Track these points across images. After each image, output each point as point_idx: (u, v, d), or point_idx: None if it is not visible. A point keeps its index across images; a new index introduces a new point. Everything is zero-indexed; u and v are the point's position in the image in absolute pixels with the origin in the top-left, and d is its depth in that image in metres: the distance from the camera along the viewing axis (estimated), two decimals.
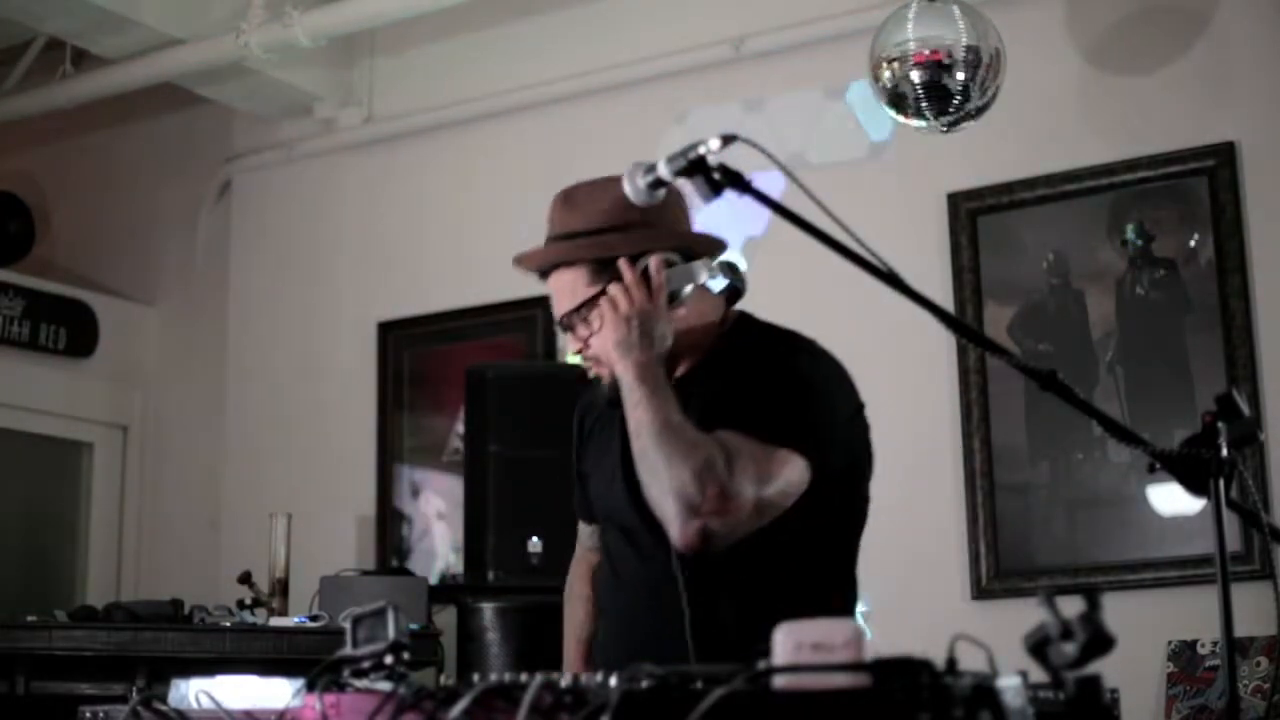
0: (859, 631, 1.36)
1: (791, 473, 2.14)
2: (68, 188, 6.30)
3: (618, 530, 2.35)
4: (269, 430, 5.54)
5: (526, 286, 5.11)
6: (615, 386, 2.19)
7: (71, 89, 5.53)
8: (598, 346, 2.23)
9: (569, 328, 2.28)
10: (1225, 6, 4.28)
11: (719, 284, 2.26)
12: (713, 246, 2.31)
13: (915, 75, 3.79)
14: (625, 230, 2.22)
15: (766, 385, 2.20)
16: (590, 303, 2.23)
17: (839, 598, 2.34)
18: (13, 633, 3.93)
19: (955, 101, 3.81)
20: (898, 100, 3.87)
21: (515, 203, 5.18)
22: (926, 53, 3.78)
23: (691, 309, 2.24)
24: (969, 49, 3.78)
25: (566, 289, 2.27)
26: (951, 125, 3.89)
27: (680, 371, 2.28)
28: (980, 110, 3.88)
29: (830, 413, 2.29)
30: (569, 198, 2.33)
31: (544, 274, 2.33)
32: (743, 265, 2.29)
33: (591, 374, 2.29)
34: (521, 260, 2.35)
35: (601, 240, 2.23)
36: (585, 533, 2.55)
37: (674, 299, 2.19)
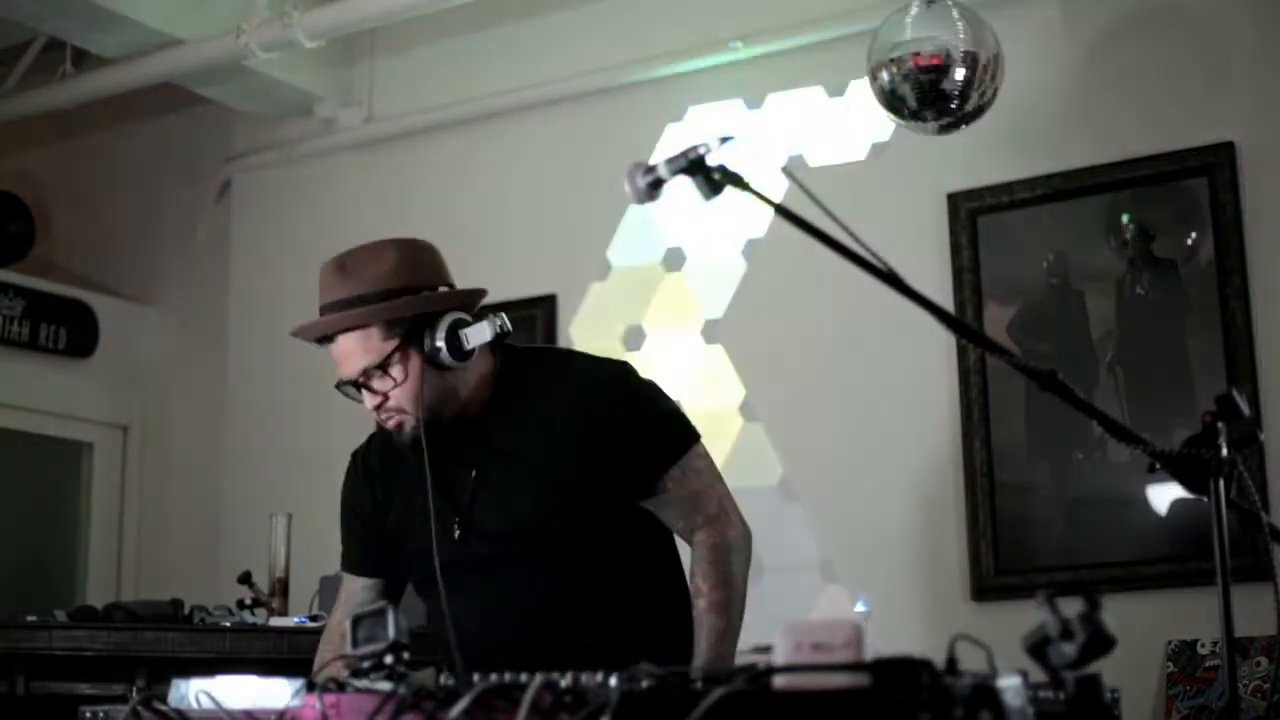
0: (859, 631, 1.36)
1: (706, 460, 2.50)
2: (68, 188, 6.30)
3: (476, 566, 2.43)
4: (269, 430, 5.54)
5: (526, 286, 5.13)
6: (418, 430, 2.40)
7: (71, 89, 5.52)
8: (400, 398, 2.41)
9: (364, 385, 2.43)
10: (1224, 7, 4.27)
11: (499, 333, 2.46)
12: (478, 297, 2.51)
13: (913, 77, 3.79)
14: (414, 293, 2.41)
15: (631, 412, 2.47)
16: (390, 358, 2.39)
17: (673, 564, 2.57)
18: (13, 633, 3.92)
19: (953, 104, 3.81)
20: (895, 102, 3.87)
21: (515, 202, 5.20)
22: (924, 55, 3.78)
23: (479, 359, 2.45)
24: (967, 52, 3.78)
25: (358, 349, 2.41)
26: (949, 127, 3.89)
27: (474, 410, 2.47)
28: (978, 113, 3.88)
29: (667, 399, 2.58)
30: (342, 266, 2.45)
31: (325, 339, 2.45)
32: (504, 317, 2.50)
33: (390, 424, 2.45)
34: (307, 330, 2.48)
35: (392, 305, 2.39)
36: (358, 587, 2.63)
37: (470, 355, 2.41)
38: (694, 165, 1.87)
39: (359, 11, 5.05)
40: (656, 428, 2.48)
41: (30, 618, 4.02)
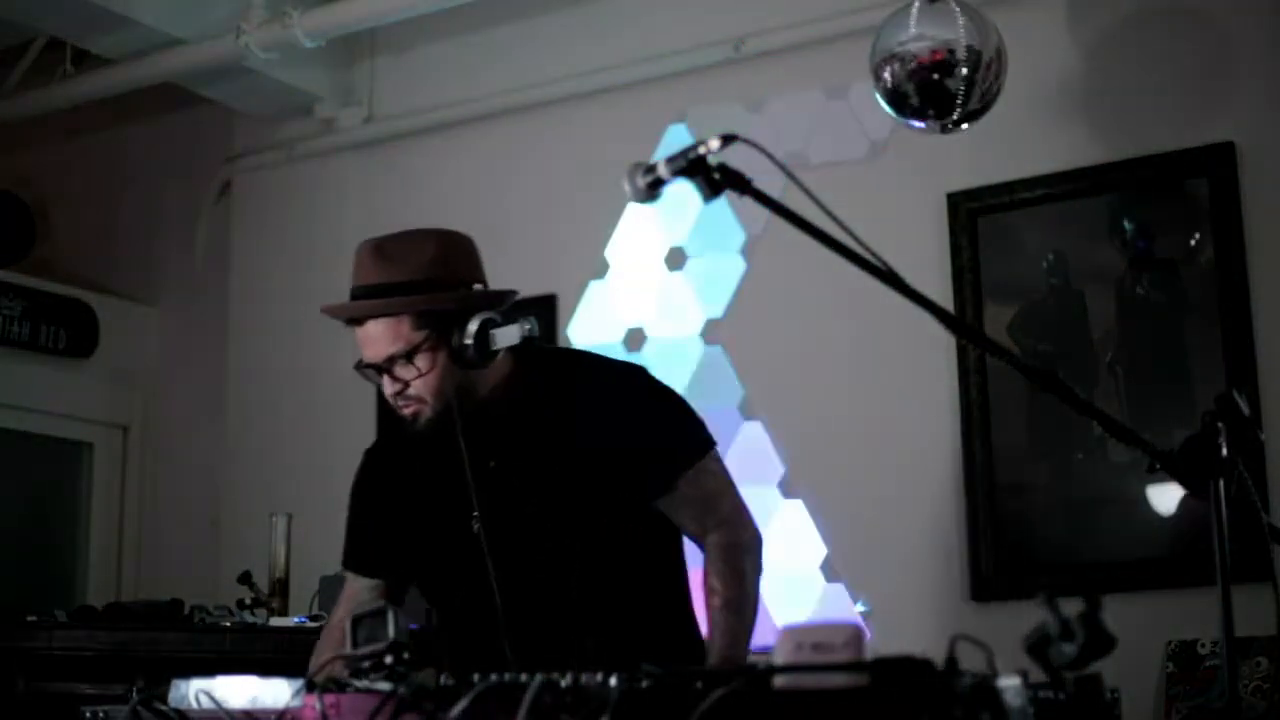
0: (859, 631, 1.37)
1: (722, 465, 2.54)
2: (68, 188, 6.30)
3: (486, 560, 2.43)
4: (269, 430, 5.54)
5: (525, 286, 5.09)
6: (433, 422, 2.42)
7: (71, 89, 5.52)
8: (420, 388, 2.42)
9: (386, 370, 2.44)
10: (1225, 6, 4.27)
11: (525, 338, 2.47)
12: (510, 298, 2.53)
13: (916, 75, 3.79)
14: (451, 288, 2.42)
15: (649, 414, 2.51)
16: (417, 348, 2.40)
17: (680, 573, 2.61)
18: (13, 632, 3.92)
19: (956, 102, 3.81)
20: (899, 100, 3.86)
21: (515, 202, 5.19)
22: (928, 53, 3.78)
23: (502, 359, 2.47)
24: (970, 49, 3.78)
25: (386, 336, 2.42)
26: (953, 125, 3.88)
27: (491, 407, 2.48)
28: (981, 111, 3.87)
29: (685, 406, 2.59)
30: (381, 250, 2.46)
31: (354, 321, 2.47)
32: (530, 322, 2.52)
33: (406, 411, 2.45)
34: (338, 311, 2.49)
35: (427, 298, 2.41)
36: (361, 586, 2.61)
37: (495, 355, 2.42)
38: (694, 165, 1.87)
39: (359, 11, 5.05)
40: (674, 431, 2.51)
41: (30, 618, 4.02)
